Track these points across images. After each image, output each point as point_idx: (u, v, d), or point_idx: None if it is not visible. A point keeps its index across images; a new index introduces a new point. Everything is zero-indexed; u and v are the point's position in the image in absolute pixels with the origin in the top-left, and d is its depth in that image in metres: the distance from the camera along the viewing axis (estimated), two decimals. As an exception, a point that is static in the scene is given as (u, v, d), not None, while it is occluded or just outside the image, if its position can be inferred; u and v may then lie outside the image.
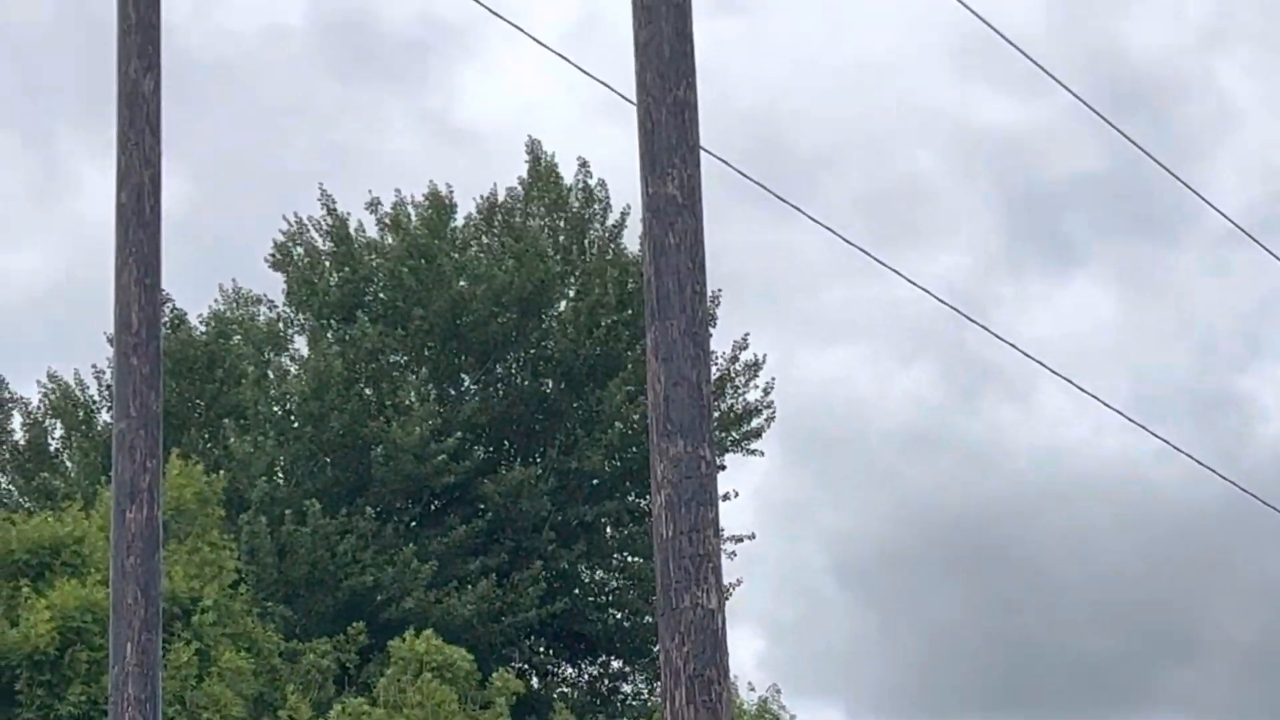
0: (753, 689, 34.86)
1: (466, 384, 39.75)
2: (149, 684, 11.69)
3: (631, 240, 39.67)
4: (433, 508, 38.45)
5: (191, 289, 49.67)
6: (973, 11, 13.43)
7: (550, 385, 39.62)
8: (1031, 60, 14.25)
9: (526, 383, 39.44)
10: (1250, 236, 19.41)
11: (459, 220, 40.17)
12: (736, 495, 39.02)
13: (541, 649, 38.79)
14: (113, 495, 12.20)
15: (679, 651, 9.42)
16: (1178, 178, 17.17)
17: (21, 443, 40.22)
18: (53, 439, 40.45)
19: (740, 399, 40.80)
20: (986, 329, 15.21)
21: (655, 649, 37.36)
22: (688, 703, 9.31)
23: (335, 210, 39.99)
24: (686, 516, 9.59)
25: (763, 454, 41.44)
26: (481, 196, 40.50)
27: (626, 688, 40.89)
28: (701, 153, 10.28)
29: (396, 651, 29.36)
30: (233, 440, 36.41)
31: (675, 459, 9.68)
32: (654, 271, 9.98)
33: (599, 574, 40.46)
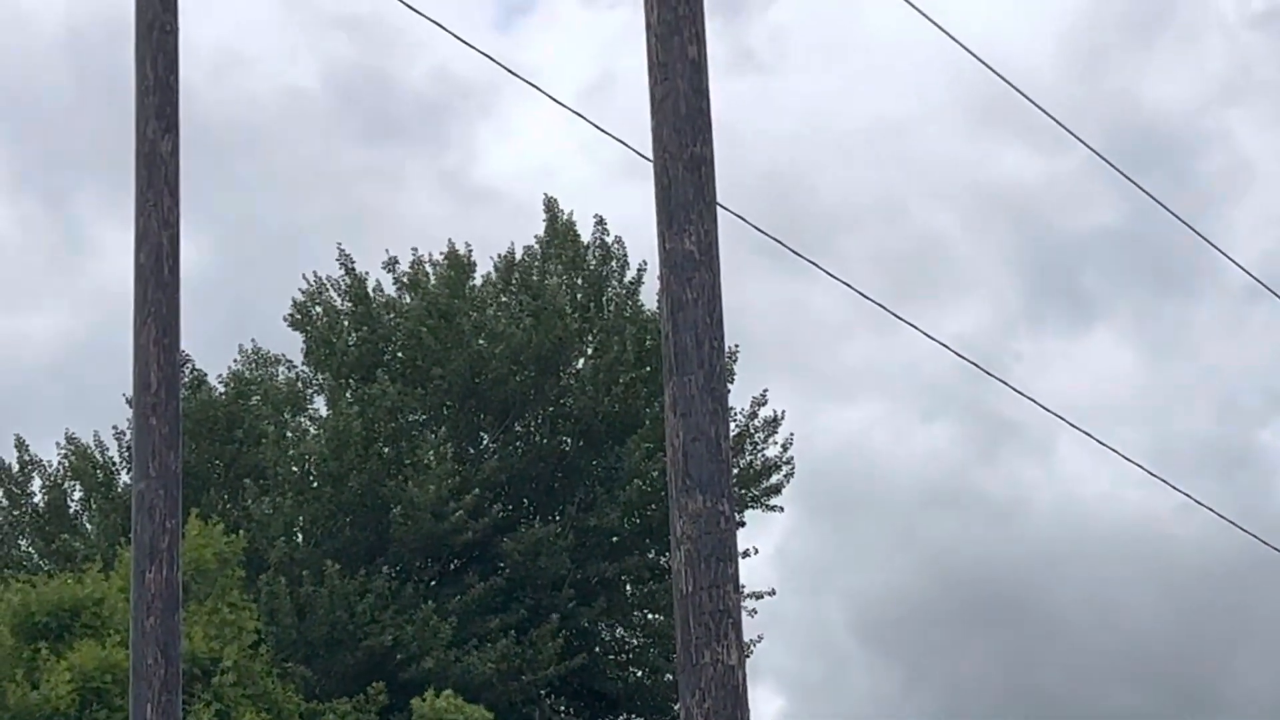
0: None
1: (485, 442, 39.74)
2: (169, 745, 11.66)
3: (649, 297, 39.72)
4: (451, 566, 38.40)
5: (211, 350, 49.74)
6: (989, 67, 13.48)
7: (569, 443, 39.60)
8: (1048, 115, 14.28)
9: (545, 440, 39.43)
10: (1268, 289, 19.40)
11: (477, 279, 40.26)
12: (756, 552, 39.00)
13: (562, 707, 38.65)
14: (132, 556, 12.19)
15: (700, 708, 9.38)
16: (1196, 231, 17.19)
17: (41, 505, 40.26)
18: (72, 501, 40.49)
19: (759, 455, 40.77)
20: (1006, 383, 15.20)
21: (676, 706, 37.19)
22: (709, 760, 9.27)
23: (354, 270, 40.09)
24: (706, 572, 9.57)
25: (782, 510, 41.41)
26: (499, 255, 40.62)
27: (647, 746, 40.73)
28: (719, 209, 10.30)
29: (418, 710, 29.28)
30: (251, 501, 36.43)
31: (694, 514, 9.66)
32: (672, 327, 9.98)
33: (619, 631, 40.36)
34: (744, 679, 9.50)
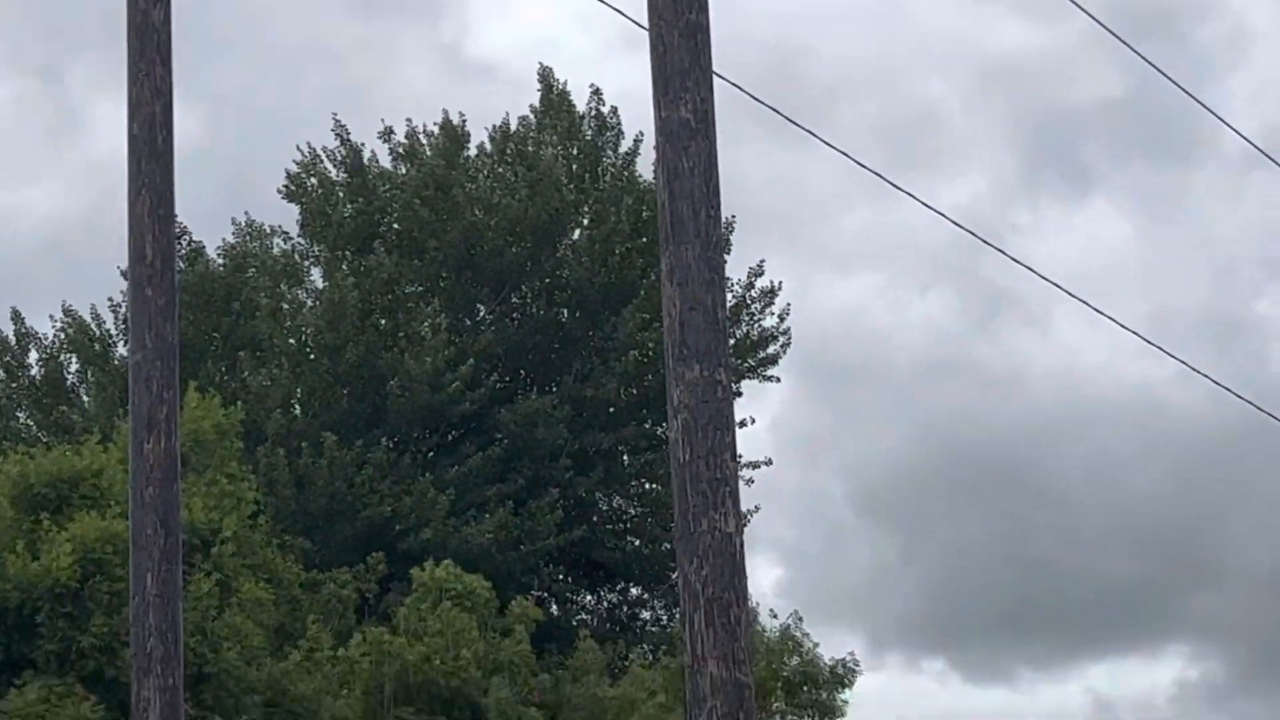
0: (774, 616, 34.95)
1: (481, 314, 39.76)
2: (170, 614, 11.73)
3: (645, 168, 39.58)
4: (449, 437, 38.52)
5: (208, 225, 49.67)
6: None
7: (565, 314, 39.62)
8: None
9: (541, 312, 39.44)
10: (1268, 156, 19.31)
11: (472, 151, 40.09)
12: (753, 422, 39.07)
13: (560, 576, 38.91)
14: (130, 427, 12.20)
15: (697, 575, 9.42)
16: (1195, 99, 17.08)
17: (38, 378, 40.28)
18: (69, 373, 40.52)
19: (756, 326, 40.79)
20: (1003, 252, 15.16)
21: (674, 575, 37.46)
22: (707, 626, 9.31)
23: (349, 140, 39.91)
24: (704, 441, 9.58)
25: (779, 380, 41.49)
26: (494, 126, 40.42)
27: (645, 614, 41.06)
28: (715, 79, 10.22)
29: (418, 579, 29.46)
30: (248, 373, 36.47)
31: (691, 383, 9.66)
32: (668, 196, 9.93)
33: (616, 501, 40.57)
34: (741, 546, 9.54)
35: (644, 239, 38.37)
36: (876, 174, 13.11)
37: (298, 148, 40.10)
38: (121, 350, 39.05)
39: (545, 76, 40.34)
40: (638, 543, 40.34)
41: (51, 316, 40.37)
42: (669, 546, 38.29)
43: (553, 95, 40.20)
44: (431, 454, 38.04)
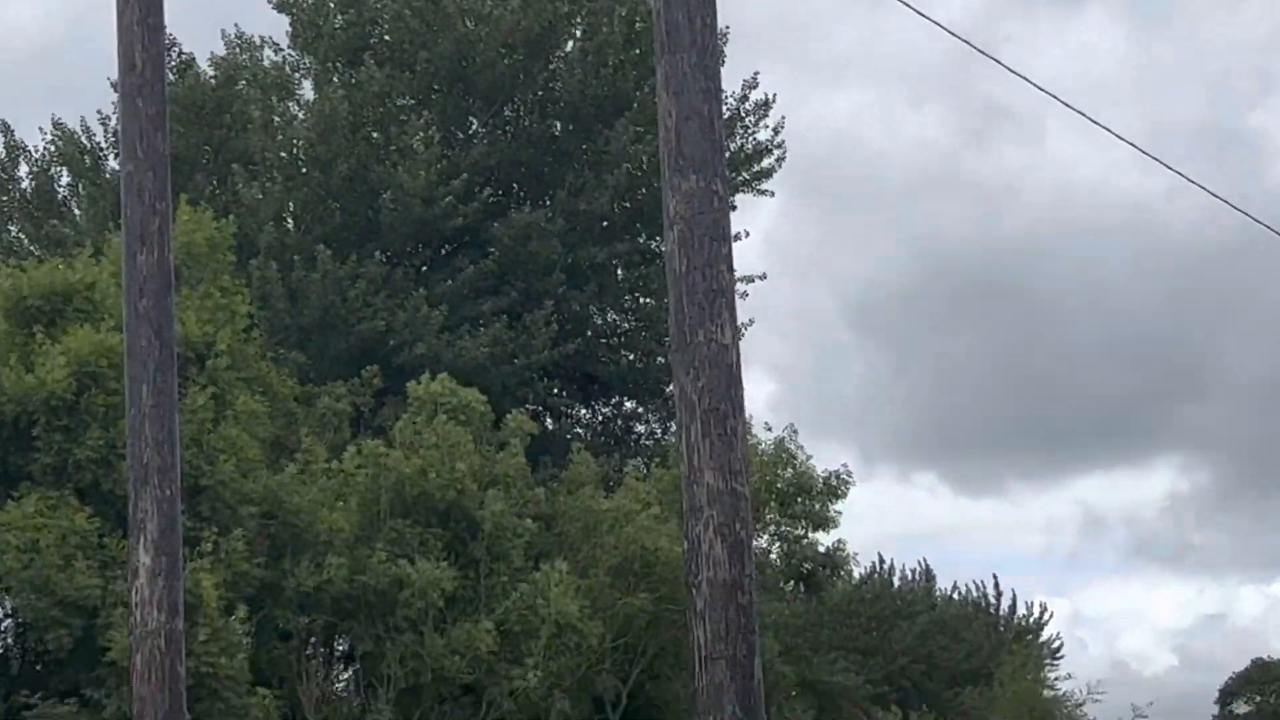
0: (769, 429, 35.13)
1: (474, 127, 39.47)
2: (166, 425, 11.75)
3: (639, -22, 39.05)
4: (442, 252, 38.44)
5: (200, 40, 49.18)
6: None
7: (558, 126, 39.35)
8: None
9: (534, 125, 39.16)
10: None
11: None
12: (747, 235, 39.05)
13: (555, 391, 39.03)
14: (123, 238, 12.15)
15: (693, 386, 9.41)
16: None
17: (29, 191, 40.09)
18: (60, 187, 40.33)
19: (750, 139, 40.56)
20: (999, 62, 14.99)
21: (668, 389, 37.61)
22: (703, 436, 9.32)
23: (339, -50, 39.34)
24: (700, 251, 9.53)
25: (773, 194, 41.34)
26: (486, -67, 39.81)
27: (640, 428, 41.28)
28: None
29: (413, 393, 29.52)
30: (240, 186, 36.30)
31: (688, 194, 9.59)
32: (664, 3, 9.80)
33: (611, 316, 40.59)
34: (738, 358, 9.52)
35: (637, 50, 38.04)
36: (875, -18, 12.90)
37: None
38: (112, 163, 38.84)
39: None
40: (632, 357, 40.42)
41: (41, 129, 40.16)
42: (664, 360, 38.36)
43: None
44: (425, 268, 37.98)
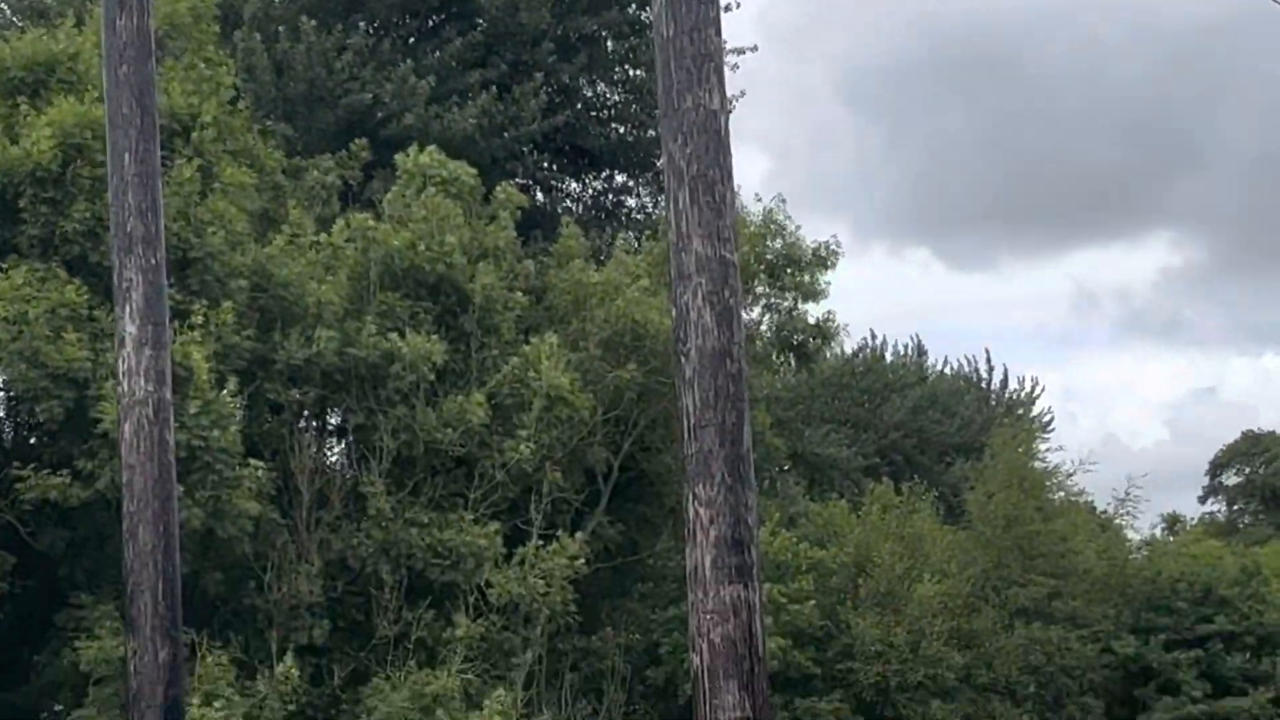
0: (759, 199, 34.93)
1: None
2: (149, 193, 11.63)
3: None
4: (429, 22, 37.94)
5: None
6: None
7: (547, -105, 38.63)
8: None
9: (523, -108, 38.46)
10: None
11: None
12: (739, 6, 38.46)
13: (545, 164, 38.78)
14: (102, 3, 11.92)
15: (682, 153, 9.30)
16: None
17: (10, -40, 39.41)
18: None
19: (742, -94, 39.83)
20: None
21: (659, 162, 37.38)
22: (691, 204, 9.23)
23: None
24: (688, 15, 9.36)
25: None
26: None
27: (630, 201, 41.12)
28: None
29: (402, 165, 29.30)
30: (224, -46, 35.71)
31: (677, -45, 9.40)
32: None
33: (600, 87, 40.19)
34: (726, 123, 9.40)
35: None
36: None
37: None
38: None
39: None
40: (622, 130, 40.09)
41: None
42: (655, 133, 38.07)
43: None
44: (412, 40, 37.52)
